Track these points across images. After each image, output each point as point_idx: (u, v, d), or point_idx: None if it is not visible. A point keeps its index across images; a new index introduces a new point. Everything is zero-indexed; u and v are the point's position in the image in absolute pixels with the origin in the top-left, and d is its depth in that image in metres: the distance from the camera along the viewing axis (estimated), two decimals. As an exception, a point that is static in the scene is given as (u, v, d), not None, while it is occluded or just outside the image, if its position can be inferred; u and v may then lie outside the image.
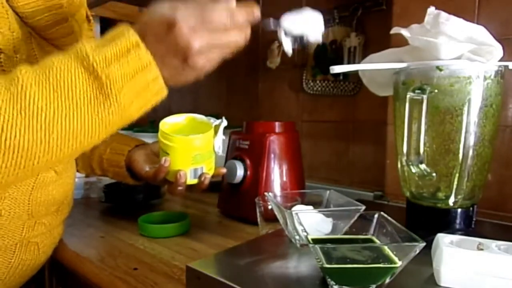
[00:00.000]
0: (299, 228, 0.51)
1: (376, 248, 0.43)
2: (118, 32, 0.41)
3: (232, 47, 0.45)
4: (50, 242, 0.65)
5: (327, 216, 0.53)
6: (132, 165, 0.70)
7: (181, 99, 1.68)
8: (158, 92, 0.43)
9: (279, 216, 0.56)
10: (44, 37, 0.55)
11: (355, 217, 0.51)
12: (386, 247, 0.42)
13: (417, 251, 0.40)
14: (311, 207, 0.59)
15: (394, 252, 0.41)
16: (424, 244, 0.39)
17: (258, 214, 0.68)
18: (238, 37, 0.45)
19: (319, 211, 0.54)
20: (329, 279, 0.41)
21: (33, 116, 0.37)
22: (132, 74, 0.40)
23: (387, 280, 0.41)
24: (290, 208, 0.56)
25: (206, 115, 0.66)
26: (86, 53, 0.39)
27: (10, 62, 0.49)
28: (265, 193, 0.62)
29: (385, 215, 0.47)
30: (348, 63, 1.05)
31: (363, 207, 0.51)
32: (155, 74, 0.41)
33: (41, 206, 0.57)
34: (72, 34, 0.57)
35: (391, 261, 0.40)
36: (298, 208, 0.59)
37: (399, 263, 0.40)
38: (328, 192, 0.62)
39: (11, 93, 0.37)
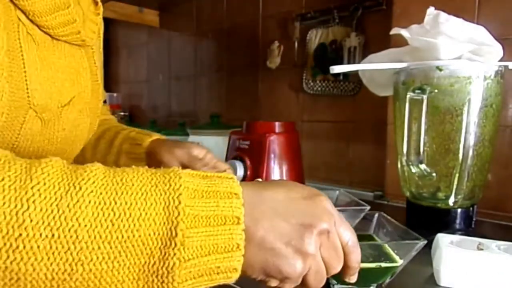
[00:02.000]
0: None
1: (377, 246, 0.43)
2: (225, 188, 0.31)
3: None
4: None
5: None
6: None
7: (181, 99, 1.68)
8: (224, 280, 0.32)
9: None
10: (38, 24, 0.45)
11: (360, 217, 0.51)
12: (387, 245, 0.42)
13: (418, 250, 0.40)
14: None
15: (395, 251, 0.41)
16: (425, 242, 0.39)
17: (258, 214, 0.68)
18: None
19: None
20: (330, 278, 0.41)
21: (69, 245, 0.26)
22: (209, 252, 0.30)
23: (388, 280, 0.41)
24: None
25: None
26: (178, 195, 0.29)
27: None
28: None
29: (385, 215, 0.47)
30: (348, 63, 1.05)
31: (368, 207, 0.51)
32: (234, 264, 0.31)
33: None
34: (74, 23, 0.48)
35: (392, 259, 0.40)
36: None
37: (400, 262, 0.40)
38: (337, 192, 0.62)
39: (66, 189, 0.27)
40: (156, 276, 0.29)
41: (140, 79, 1.93)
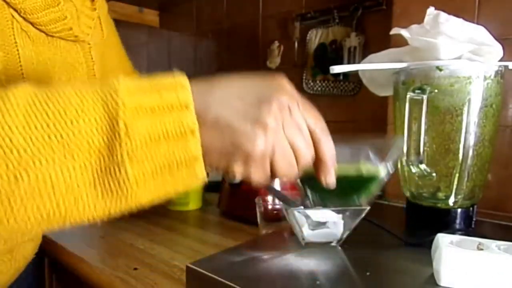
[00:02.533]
0: (305, 226, 0.51)
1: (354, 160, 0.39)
2: (170, 82, 0.30)
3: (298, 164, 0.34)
4: (8, 267, 0.52)
5: (337, 212, 0.51)
6: None
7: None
8: (190, 177, 0.30)
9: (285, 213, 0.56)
10: (31, 22, 0.46)
11: (361, 217, 0.51)
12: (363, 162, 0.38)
13: (400, 150, 0.38)
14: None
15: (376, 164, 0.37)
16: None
17: (258, 214, 0.68)
18: (308, 153, 0.34)
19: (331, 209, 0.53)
20: (308, 192, 0.38)
21: (6, 151, 0.25)
22: (159, 139, 0.28)
23: (372, 195, 0.38)
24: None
25: None
26: (115, 89, 0.28)
27: None
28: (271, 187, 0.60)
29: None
30: (348, 63, 1.05)
31: (368, 207, 0.51)
32: (192, 151, 0.29)
33: None
34: (65, 19, 0.48)
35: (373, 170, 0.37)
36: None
37: (383, 169, 0.37)
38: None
39: None
40: (110, 175, 0.27)
41: (140, 79, 1.93)
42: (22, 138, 0.25)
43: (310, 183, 0.40)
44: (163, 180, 0.29)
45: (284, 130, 0.32)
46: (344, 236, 0.53)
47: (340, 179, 0.35)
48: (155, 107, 0.28)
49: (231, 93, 0.31)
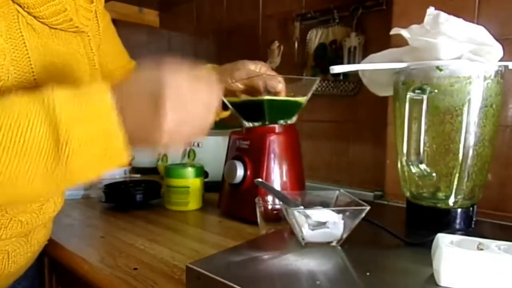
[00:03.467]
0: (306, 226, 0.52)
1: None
2: (95, 91, 0.39)
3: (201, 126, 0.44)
4: (25, 250, 0.59)
5: (337, 212, 0.53)
6: None
7: (181, 99, 1.68)
8: (114, 162, 0.40)
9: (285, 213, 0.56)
10: (34, 16, 0.50)
11: (361, 217, 0.52)
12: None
13: (316, 85, 0.61)
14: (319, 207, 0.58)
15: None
16: (318, 78, 0.63)
17: (258, 214, 0.68)
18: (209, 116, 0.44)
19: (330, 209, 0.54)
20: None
21: None
22: (94, 140, 0.38)
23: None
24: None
25: None
26: (53, 106, 0.36)
27: None
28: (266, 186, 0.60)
29: None
30: (348, 63, 1.05)
31: (368, 207, 0.51)
32: (119, 145, 0.39)
33: None
34: (65, 11, 0.52)
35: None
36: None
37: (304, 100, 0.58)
38: (337, 192, 0.61)
39: None
40: (58, 166, 0.37)
41: (140, 79, 1.93)
42: None
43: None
44: (97, 166, 0.40)
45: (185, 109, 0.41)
46: (344, 236, 0.53)
47: (278, 103, 0.53)
48: (84, 115, 0.37)
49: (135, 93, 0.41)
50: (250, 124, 0.62)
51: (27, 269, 0.65)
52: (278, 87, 0.64)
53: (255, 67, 0.67)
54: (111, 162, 0.40)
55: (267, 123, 0.63)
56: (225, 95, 0.67)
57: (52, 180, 0.37)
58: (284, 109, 0.63)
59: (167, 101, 0.39)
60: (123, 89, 0.40)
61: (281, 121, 0.58)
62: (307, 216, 0.52)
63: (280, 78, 0.65)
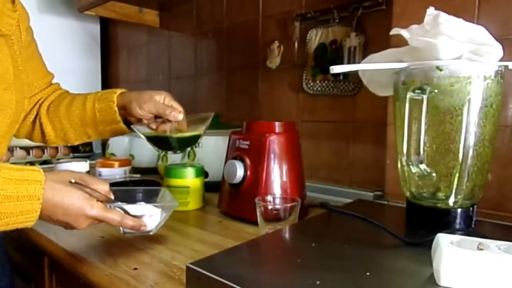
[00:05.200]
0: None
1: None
2: (29, 189, 0.51)
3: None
4: None
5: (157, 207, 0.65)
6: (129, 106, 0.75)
7: (181, 99, 1.67)
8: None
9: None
10: None
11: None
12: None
13: (210, 121, 0.76)
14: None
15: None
16: (212, 114, 0.77)
17: (258, 214, 0.68)
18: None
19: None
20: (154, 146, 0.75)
21: None
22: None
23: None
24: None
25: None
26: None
27: None
28: None
29: None
30: (348, 63, 1.05)
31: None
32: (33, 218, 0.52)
33: None
34: None
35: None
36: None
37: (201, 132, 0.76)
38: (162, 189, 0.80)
39: None
40: None
41: (140, 79, 1.93)
42: None
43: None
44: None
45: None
46: (159, 226, 0.66)
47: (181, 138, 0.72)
48: (17, 195, 0.50)
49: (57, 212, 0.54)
50: (163, 152, 0.84)
51: None
52: (179, 118, 0.73)
53: (160, 98, 0.74)
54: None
55: (177, 152, 0.78)
56: (134, 122, 0.77)
57: None
58: (187, 141, 0.76)
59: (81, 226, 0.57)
60: (52, 201, 0.53)
61: (188, 148, 0.76)
62: (125, 211, 0.62)
63: (180, 109, 0.75)
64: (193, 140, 0.77)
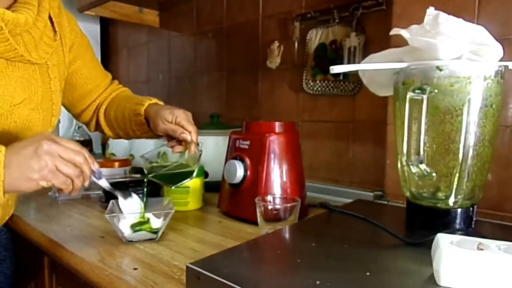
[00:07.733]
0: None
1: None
2: None
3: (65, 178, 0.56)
4: None
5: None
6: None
7: (181, 99, 1.68)
8: None
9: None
10: None
11: (170, 216, 0.72)
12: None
13: (199, 158, 0.76)
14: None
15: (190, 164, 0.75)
16: (201, 152, 0.77)
17: (258, 214, 0.68)
18: (73, 173, 0.56)
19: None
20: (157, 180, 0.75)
21: None
22: None
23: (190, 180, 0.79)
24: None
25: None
26: None
27: None
28: None
29: None
30: (348, 63, 1.05)
31: (173, 210, 0.72)
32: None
33: None
34: (15, 50, 0.64)
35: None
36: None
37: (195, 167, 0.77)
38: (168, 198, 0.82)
39: None
40: None
41: (140, 79, 1.93)
42: None
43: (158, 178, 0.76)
44: None
45: (56, 166, 0.55)
46: (160, 233, 0.70)
47: (176, 174, 0.75)
48: None
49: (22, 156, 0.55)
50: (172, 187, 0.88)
51: None
52: (186, 139, 0.74)
53: (172, 118, 0.76)
54: None
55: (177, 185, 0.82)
56: (150, 135, 0.84)
57: None
58: (185, 175, 0.78)
59: (43, 147, 0.54)
60: (14, 144, 0.55)
61: (187, 180, 0.79)
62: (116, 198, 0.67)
63: (190, 129, 0.75)
64: (189, 174, 0.79)
